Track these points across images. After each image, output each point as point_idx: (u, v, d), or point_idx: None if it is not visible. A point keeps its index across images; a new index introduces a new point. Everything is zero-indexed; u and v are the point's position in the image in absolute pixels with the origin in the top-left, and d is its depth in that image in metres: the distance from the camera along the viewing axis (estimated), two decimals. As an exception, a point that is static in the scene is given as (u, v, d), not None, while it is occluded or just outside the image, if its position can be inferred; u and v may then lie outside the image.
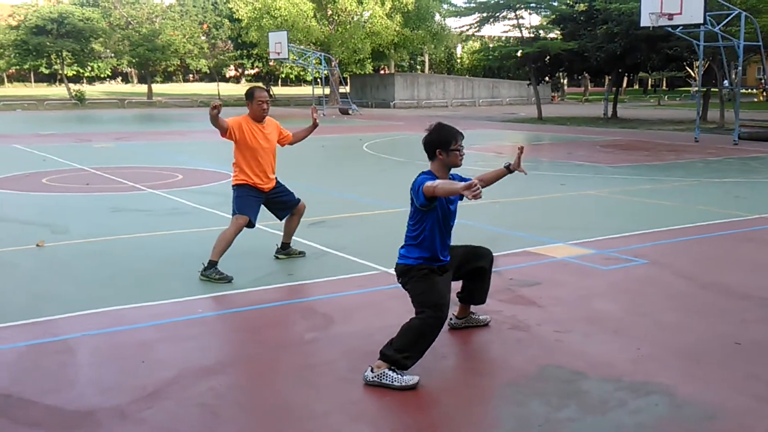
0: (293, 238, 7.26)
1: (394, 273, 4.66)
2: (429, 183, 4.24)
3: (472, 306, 5.18)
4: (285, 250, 7.21)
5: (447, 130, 4.53)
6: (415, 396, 4.10)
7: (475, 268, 4.95)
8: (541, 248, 7.61)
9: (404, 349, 4.21)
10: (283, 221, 7.18)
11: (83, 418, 3.82)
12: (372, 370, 4.23)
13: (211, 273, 6.35)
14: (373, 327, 5.12)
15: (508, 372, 4.44)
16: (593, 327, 5.23)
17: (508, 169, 5.07)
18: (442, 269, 4.57)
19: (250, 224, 6.71)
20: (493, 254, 7.27)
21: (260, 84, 7.67)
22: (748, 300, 5.92)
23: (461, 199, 4.58)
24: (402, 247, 4.62)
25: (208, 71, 73.52)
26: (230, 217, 6.79)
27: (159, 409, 3.93)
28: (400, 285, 4.64)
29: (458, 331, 5.12)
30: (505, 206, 10.29)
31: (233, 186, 6.78)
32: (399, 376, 4.17)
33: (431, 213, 4.48)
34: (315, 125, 7.15)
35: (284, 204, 7.02)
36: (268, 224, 7.96)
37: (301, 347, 4.86)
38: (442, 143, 4.48)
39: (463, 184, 3.98)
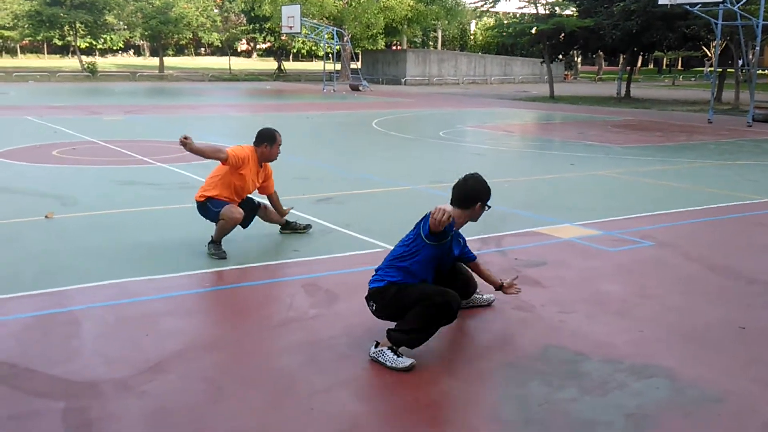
0: (297, 212, 7.24)
1: (366, 300, 4.46)
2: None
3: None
4: (288, 226, 7.23)
5: (488, 185, 4.50)
6: (417, 374, 4.12)
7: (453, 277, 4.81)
8: (548, 228, 7.59)
9: (410, 331, 4.18)
10: (267, 222, 7.13)
11: (87, 389, 3.86)
12: (376, 346, 4.25)
13: (210, 248, 6.39)
14: (377, 304, 5.13)
15: (509, 352, 4.45)
16: (597, 308, 5.22)
17: (499, 287, 4.99)
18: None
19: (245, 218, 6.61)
20: (500, 233, 7.28)
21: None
22: (756, 284, 5.89)
23: (457, 254, 4.65)
24: (379, 269, 4.43)
25: (220, 45, 73.27)
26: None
27: (162, 382, 3.96)
28: (379, 316, 4.41)
29: (461, 310, 5.11)
30: (513, 185, 10.26)
31: (201, 202, 6.50)
32: (394, 356, 4.16)
33: (433, 247, 4.28)
34: (283, 215, 7.14)
35: (245, 212, 6.70)
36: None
37: (304, 323, 4.88)
38: (485, 197, 4.45)
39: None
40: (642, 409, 3.71)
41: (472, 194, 4.43)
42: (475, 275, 5.04)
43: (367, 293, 4.45)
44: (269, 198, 7.10)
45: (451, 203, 4.43)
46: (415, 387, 4.00)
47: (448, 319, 4.24)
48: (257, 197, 7.07)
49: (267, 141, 6.58)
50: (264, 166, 6.77)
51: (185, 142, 6.03)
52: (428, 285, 4.35)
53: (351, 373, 4.10)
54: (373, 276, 4.45)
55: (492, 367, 4.26)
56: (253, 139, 6.66)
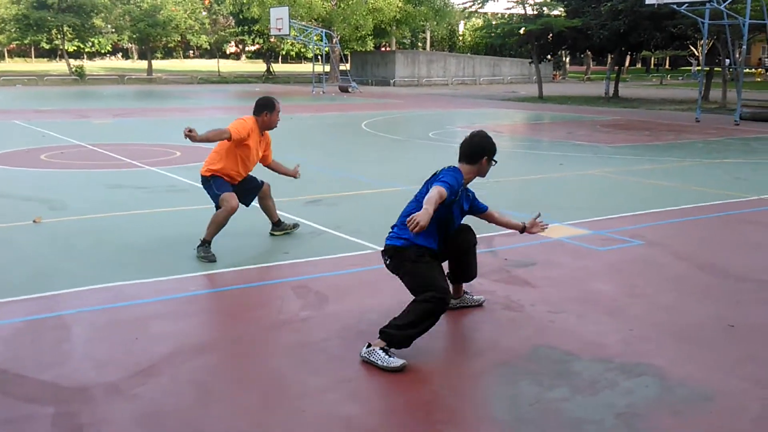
0: (286, 214, 7.27)
1: (381, 253, 4.60)
2: (442, 195, 4.18)
3: (465, 285, 5.20)
4: (278, 226, 7.23)
5: (493, 141, 4.67)
6: (408, 375, 4.12)
7: (462, 249, 4.93)
8: (538, 228, 7.60)
9: (405, 326, 4.22)
10: (261, 207, 7.16)
11: (77, 394, 3.84)
12: (368, 346, 4.26)
13: (200, 251, 6.37)
14: (367, 306, 5.14)
15: (500, 352, 4.46)
16: (587, 308, 5.24)
17: (522, 229, 5.12)
18: (433, 254, 4.55)
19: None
20: (489, 234, 7.30)
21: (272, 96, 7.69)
22: (745, 282, 5.93)
23: (467, 209, 4.83)
24: (395, 227, 4.59)
25: (208, 47, 73.12)
26: None
27: (153, 385, 3.95)
28: (389, 270, 4.57)
29: (451, 311, 5.12)
30: (503, 185, 10.28)
31: (206, 177, 6.56)
32: (386, 356, 4.18)
33: (443, 205, 4.41)
34: (293, 176, 7.21)
35: (249, 190, 6.90)
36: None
37: (295, 325, 4.88)
38: (491, 152, 4.62)
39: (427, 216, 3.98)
40: (632, 408, 3.73)
41: (478, 150, 4.60)
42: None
43: (383, 248, 4.57)
44: (270, 167, 7.11)
45: (459, 160, 4.63)
46: (407, 388, 4.00)
47: (436, 318, 4.29)
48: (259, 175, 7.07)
49: (267, 109, 6.61)
50: (264, 135, 6.80)
51: (190, 135, 6.04)
52: (437, 275, 4.40)
53: (343, 375, 4.10)
54: (389, 233, 4.58)
55: (483, 368, 4.27)
56: (252, 110, 6.69)
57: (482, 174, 4.69)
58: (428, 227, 4.36)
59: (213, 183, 6.55)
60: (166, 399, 3.81)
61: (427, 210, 4.01)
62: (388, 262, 4.55)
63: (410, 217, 3.98)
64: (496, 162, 4.72)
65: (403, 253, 4.45)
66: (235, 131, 6.39)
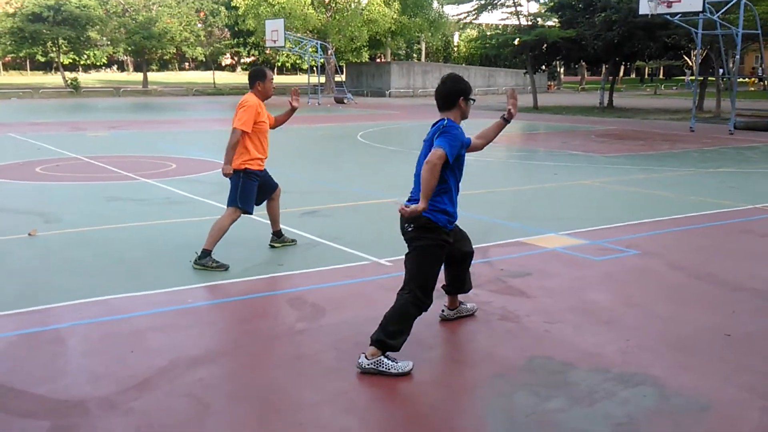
0: (281, 226, 7.29)
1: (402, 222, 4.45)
2: (442, 159, 4.22)
3: (460, 296, 5.20)
4: (279, 238, 7.24)
5: (465, 81, 4.59)
6: (404, 386, 4.11)
7: (464, 252, 4.96)
8: (533, 238, 7.62)
9: (397, 333, 4.26)
10: (266, 210, 7.20)
11: (73, 408, 3.82)
12: (366, 357, 4.25)
13: (208, 261, 6.36)
14: (363, 317, 5.12)
15: (496, 363, 4.45)
16: (583, 318, 5.24)
17: (506, 120, 5.00)
18: (449, 233, 4.51)
19: (248, 212, 6.74)
20: (485, 244, 7.30)
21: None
22: (741, 291, 5.94)
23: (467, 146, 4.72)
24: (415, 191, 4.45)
25: (204, 59, 73.21)
26: (223, 206, 6.77)
27: (148, 399, 3.93)
28: (402, 232, 4.47)
29: (448, 321, 5.13)
30: (497, 196, 10.30)
31: (239, 170, 6.56)
32: (395, 363, 4.22)
33: (457, 164, 4.47)
34: (293, 109, 7.06)
35: (268, 188, 6.99)
36: (259, 214, 7.95)
37: (291, 337, 4.87)
38: (465, 91, 4.52)
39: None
40: (630, 418, 3.72)
41: (452, 94, 4.49)
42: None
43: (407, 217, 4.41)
44: (276, 126, 7.07)
45: (440, 110, 4.54)
46: (404, 400, 3.99)
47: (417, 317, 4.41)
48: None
49: (258, 78, 6.64)
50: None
51: (228, 173, 6.42)
52: (436, 278, 4.42)
53: (339, 387, 4.09)
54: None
55: (479, 379, 4.26)
56: (249, 87, 6.73)
57: (465, 116, 4.56)
58: (452, 190, 4.45)
59: (243, 184, 6.56)
60: (162, 413, 3.79)
61: (417, 209, 4.11)
62: (409, 229, 4.40)
63: (408, 208, 4.06)
64: (474, 100, 4.61)
65: (429, 234, 4.36)
66: (244, 123, 6.45)
